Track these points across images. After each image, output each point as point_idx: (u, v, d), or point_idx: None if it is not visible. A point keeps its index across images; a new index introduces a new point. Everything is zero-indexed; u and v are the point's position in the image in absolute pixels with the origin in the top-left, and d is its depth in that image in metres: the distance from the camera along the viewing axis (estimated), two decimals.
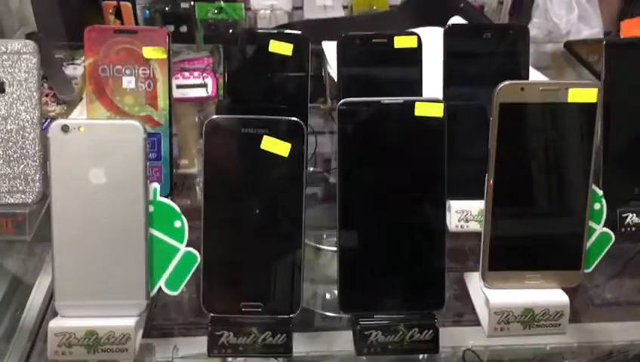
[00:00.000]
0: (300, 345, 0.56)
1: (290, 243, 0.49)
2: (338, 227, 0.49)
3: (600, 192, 0.52)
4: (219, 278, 0.49)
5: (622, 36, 1.10)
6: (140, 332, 0.49)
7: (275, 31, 0.60)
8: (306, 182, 0.49)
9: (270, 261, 0.49)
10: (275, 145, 0.48)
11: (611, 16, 1.76)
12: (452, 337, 0.58)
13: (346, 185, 0.49)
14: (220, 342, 0.48)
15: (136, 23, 1.59)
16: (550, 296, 0.51)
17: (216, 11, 1.85)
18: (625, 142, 0.61)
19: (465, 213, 0.60)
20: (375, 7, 1.94)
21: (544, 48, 1.25)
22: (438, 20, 1.59)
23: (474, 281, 0.54)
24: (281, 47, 0.60)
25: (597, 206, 0.52)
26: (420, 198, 0.50)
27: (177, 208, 0.49)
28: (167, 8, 1.88)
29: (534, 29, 1.68)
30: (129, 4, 1.54)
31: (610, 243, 0.52)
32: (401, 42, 0.61)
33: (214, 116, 0.48)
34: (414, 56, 0.61)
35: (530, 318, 0.50)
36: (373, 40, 0.61)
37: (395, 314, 0.49)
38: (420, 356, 0.59)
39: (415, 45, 0.61)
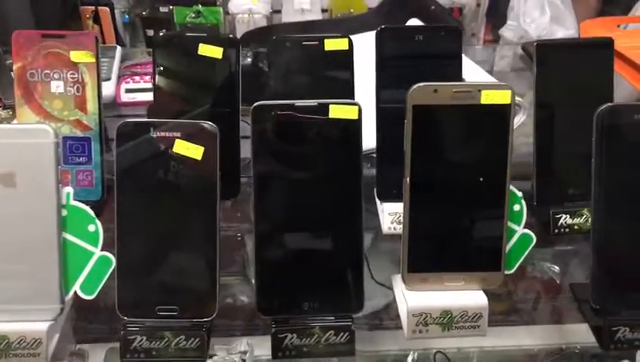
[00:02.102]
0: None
1: (204, 245, 0.49)
2: (254, 230, 0.49)
3: (519, 194, 0.51)
4: (133, 282, 0.49)
5: (581, 36, 1.10)
6: (56, 336, 0.49)
7: (205, 34, 0.60)
8: (220, 184, 0.49)
9: (185, 264, 0.49)
10: (188, 149, 0.48)
11: (589, 17, 1.77)
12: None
13: (261, 188, 0.49)
14: (133, 347, 0.48)
15: (115, 28, 1.60)
16: (469, 297, 0.50)
17: (193, 15, 1.86)
18: (557, 143, 0.61)
19: (397, 215, 0.59)
20: (352, 10, 1.95)
21: (520, 50, 1.25)
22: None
23: (398, 283, 0.53)
24: (210, 51, 0.60)
25: (516, 207, 0.52)
26: (336, 200, 0.50)
27: (91, 212, 0.49)
28: (144, 13, 1.89)
29: (509, 32, 1.69)
30: (107, 9, 1.54)
31: (532, 245, 0.52)
32: (331, 45, 0.61)
33: (126, 120, 0.48)
34: (345, 58, 0.61)
35: (448, 320, 0.50)
36: (304, 43, 0.61)
37: (312, 317, 0.49)
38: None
39: (346, 47, 0.61)
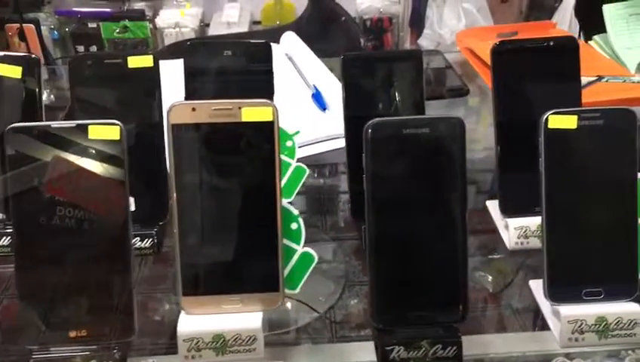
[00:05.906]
0: None
1: None
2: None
3: (296, 212, 0.50)
4: None
5: (457, 47, 1.10)
6: None
7: (3, 54, 0.58)
8: None
9: None
10: None
11: (515, 22, 1.78)
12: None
13: (20, 217, 0.47)
14: None
15: (42, 45, 1.57)
16: (242, 320, 0.49)
17: (118, 30, 1.84)
18: None
19: None
20: (279, 22, 1.95)
21: None
22: (325, 33, 1.60)
23: None
24: (8, 70, 0.58)
25: (294, 226, 0.50)
26: (102, 226, 0.48)
27: None
28: (67, 29, 1.87)
29: (425, 40, 1.69)
30: (32, 26, 1.52)
31: (314, 263, 0.51)
32: (135, 62, 0.59)
33: None
34: (150, 76, 0.60)
35: (222, 344, 0.48)
36: (106, 60, 0.60)
37: (77, 345, 0.48)
38: None
39: (151, 65, 0.60)
